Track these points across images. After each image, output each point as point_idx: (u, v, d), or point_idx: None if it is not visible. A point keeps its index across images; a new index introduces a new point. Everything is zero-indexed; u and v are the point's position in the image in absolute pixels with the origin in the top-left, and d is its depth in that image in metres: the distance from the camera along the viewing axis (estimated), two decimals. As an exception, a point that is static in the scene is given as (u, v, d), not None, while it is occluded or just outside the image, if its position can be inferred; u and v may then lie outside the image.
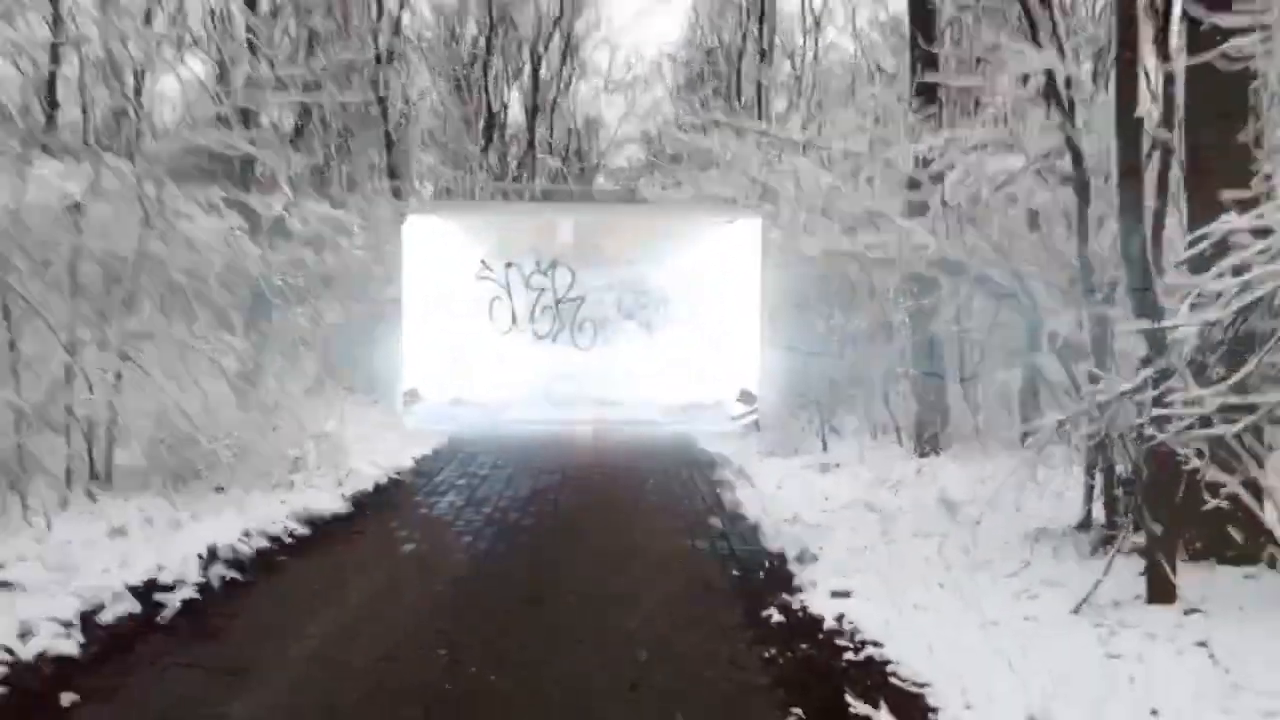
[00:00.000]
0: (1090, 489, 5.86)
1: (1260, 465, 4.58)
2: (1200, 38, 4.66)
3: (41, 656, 3.66)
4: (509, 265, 12.24)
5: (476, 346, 12.11)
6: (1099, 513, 5.78)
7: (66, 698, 3.31)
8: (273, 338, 9.72)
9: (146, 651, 3.89)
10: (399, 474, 8.62)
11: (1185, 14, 4.65)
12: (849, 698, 3.41)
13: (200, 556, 5.15)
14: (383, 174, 15.75)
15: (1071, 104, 4.86)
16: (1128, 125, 4.34)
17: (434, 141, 18.53)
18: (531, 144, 22.58)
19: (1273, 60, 4.60)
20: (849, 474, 8.96)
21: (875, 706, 3.33)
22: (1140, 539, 4.54)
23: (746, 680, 3.70)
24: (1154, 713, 3.17)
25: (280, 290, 9.02)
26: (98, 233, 6.81)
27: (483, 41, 20.71)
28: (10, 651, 3.62)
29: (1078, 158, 5.11)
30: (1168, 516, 4.32)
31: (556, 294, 12.32)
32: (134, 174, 7.14)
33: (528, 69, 22.89)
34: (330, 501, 7.06)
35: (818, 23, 22.74)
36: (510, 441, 10.81)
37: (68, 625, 3.96)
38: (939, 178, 7.05)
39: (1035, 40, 4.96)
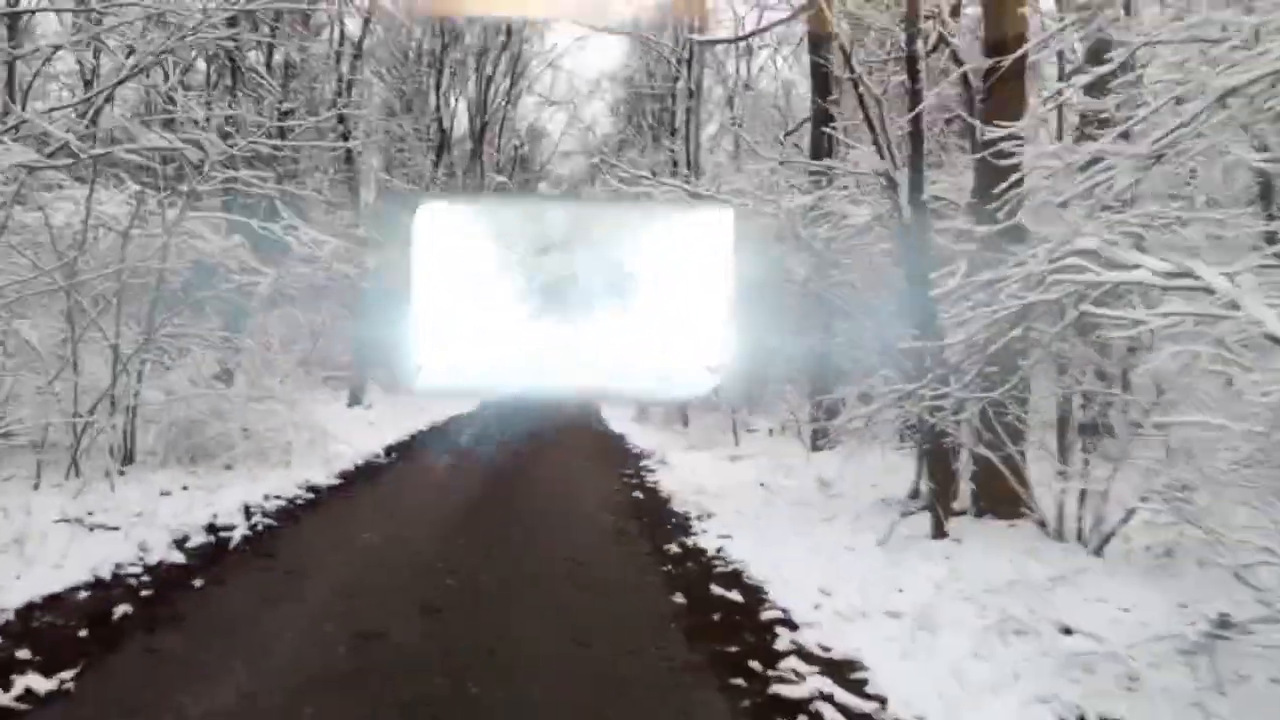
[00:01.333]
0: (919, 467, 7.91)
1: (1016, 443, 6.64)
2: (981, 145, 6.72)
3: (161, 564, 5.36)
4: (508, 249, 14.33)
5: (479, 323, 14.13)
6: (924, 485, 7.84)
7: (195, 582, 5.03)
8: (258, 338, 11.33)
9: (231, 562, 5.60)
10: (375, 456, 10.36)
11: (971, 128, 6.72)
12: (714, 587, 5.33)
13: (242, 508, 6.85)
14: (344, 187, 17.35)
15: (895, 183, 6.89)
16: (918, 203, 6.38)
17: (388, 157, 20.07)
18: (478, 154, 24.24)
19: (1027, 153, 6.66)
20: (753, 463, 10.95)
21: (729, 590, 5.25)
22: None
23: (649, 579, 5.60)
24: (900, 590, 5.14)
25: (270, 298, 10.68)
26: (136, 251, 8.41)
27: (435, 58, 22.26)
28: (141, 561, 5.31)
29: (901, 217, 7.15)
30: (940, 480, 6.35)
31: (550, 276, 14.43)
32: (159, 201, 8.76)
33: (472, 84, 24.55)
34: (323, 476, 8.76)
35: (750, 49, 24.96)
36: (495, 413, 12.65)
37: (168, 547, 5.65)
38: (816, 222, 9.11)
39: (875, 143, 6.97)
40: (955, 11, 7.90)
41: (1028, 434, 6.86)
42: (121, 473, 8.09)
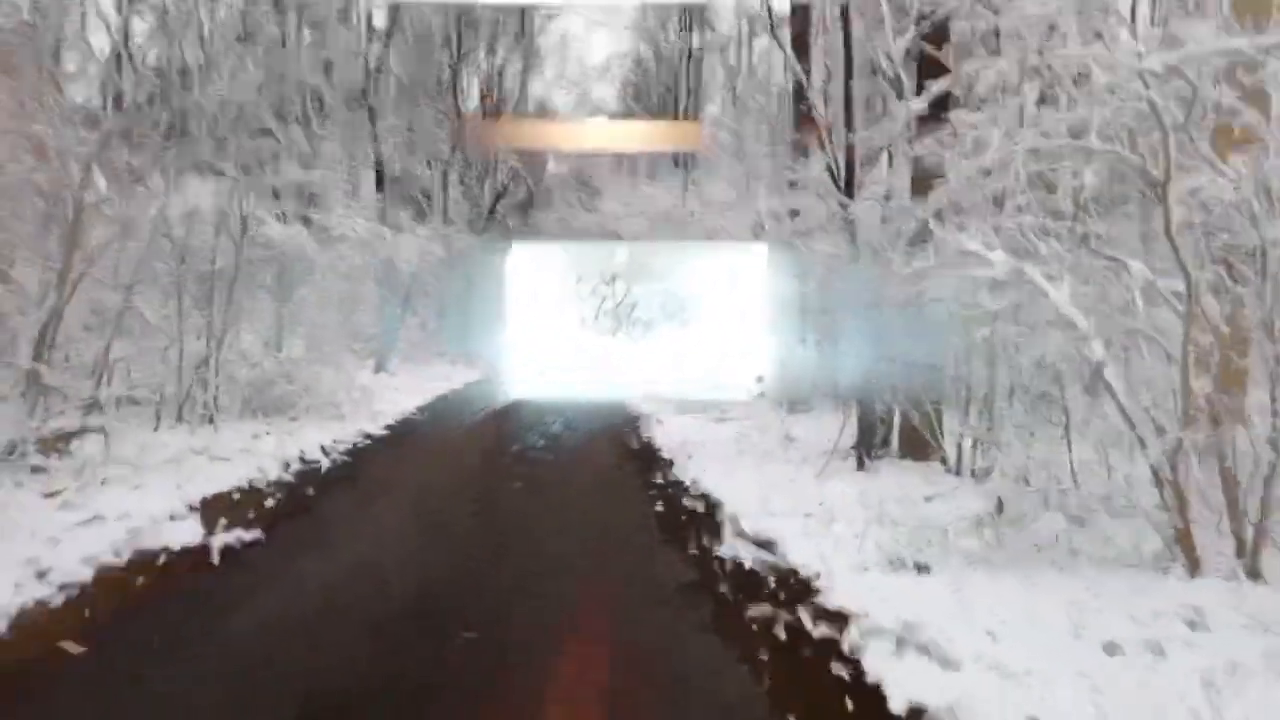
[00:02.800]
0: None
1: (937, 405, 8.65)
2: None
3: (279, 479, 7.44)
4: (579, 280, 17.06)
5: (558, 339, 16.87)
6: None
7: (308, 490, 7.12)
8: (306, 310, 13.40)
9: (326, 480, 7.69)
10: (411, 413, 12.46)
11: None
12: (685, 501, 7.40)
13: (318, 448, 8.93)
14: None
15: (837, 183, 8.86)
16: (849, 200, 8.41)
17: (409, 140, 21.96)
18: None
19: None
20: (736, 425, 13.00)
21: (695, 504, 7.32)
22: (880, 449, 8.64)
23: (639, 496, 7.68)
24: (821, 503, 7.17)
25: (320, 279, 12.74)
26: (224, 240, 10.45)
27: (454, 43, 24.05)
28: (264, 477, 7.39)
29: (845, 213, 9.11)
30: (865, 430, 8.39)
31: (615, 300, 17.03)
32: (236, 194, 10.79)
33: (484, 66, 26.38)
34: (373, 427, 10.84)
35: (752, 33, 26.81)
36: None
37: (279, 469, 7.73)
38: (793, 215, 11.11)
39: (822, 147, 8.95)
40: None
41: (945, 398, 8.87)
42: (211, 421, 10.18)
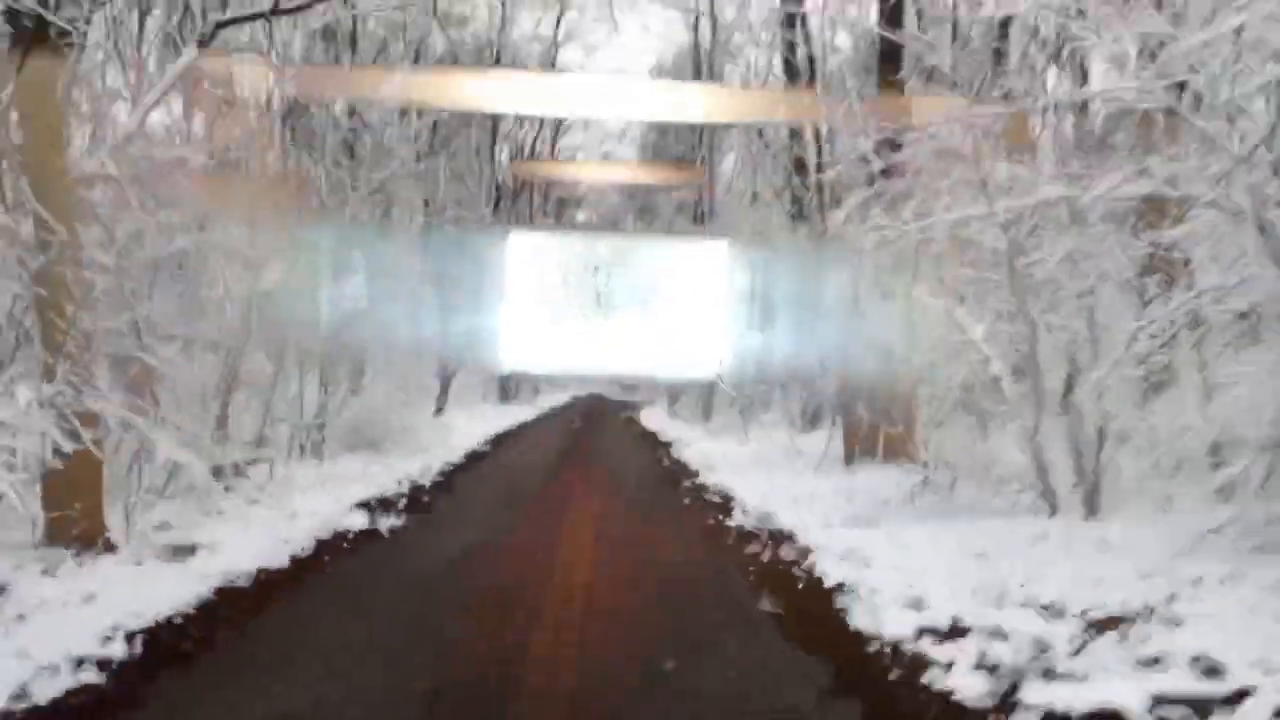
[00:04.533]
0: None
1: (910, 413, 11.05)
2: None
3: (401, 489, 10.02)
4: (568, 268, 19.62)
5: (550, 322, 19.38)
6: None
7: (424, 498, 9.69)
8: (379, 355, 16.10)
9: (434, 490, 10.26)
10: (478, 446, 15.07)
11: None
12: (706, 495, 9.88)
13: (419, 470, 11.51)
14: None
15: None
16: (814, 237, 10.93)
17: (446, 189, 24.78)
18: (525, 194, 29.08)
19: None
20: (755, 446, 15.47)
21: (713, 496, 9.79)
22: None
23: (670, 494, 10.17)
24: (810, 492, 9.58)
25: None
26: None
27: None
28: (396, 487, 9.97)
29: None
30: (850, 439, 10.83)
31: (599, 289, 19.59)
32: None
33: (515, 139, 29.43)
34: (454, 457, 13.41)
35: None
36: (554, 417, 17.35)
37: (395, 484, 10.31)
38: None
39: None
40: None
41: (919, 411, 11.27)
42: (320, 456, 12.80)
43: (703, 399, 20.95)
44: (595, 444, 16.10)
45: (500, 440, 16.27)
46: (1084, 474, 7.32)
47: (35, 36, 6.00)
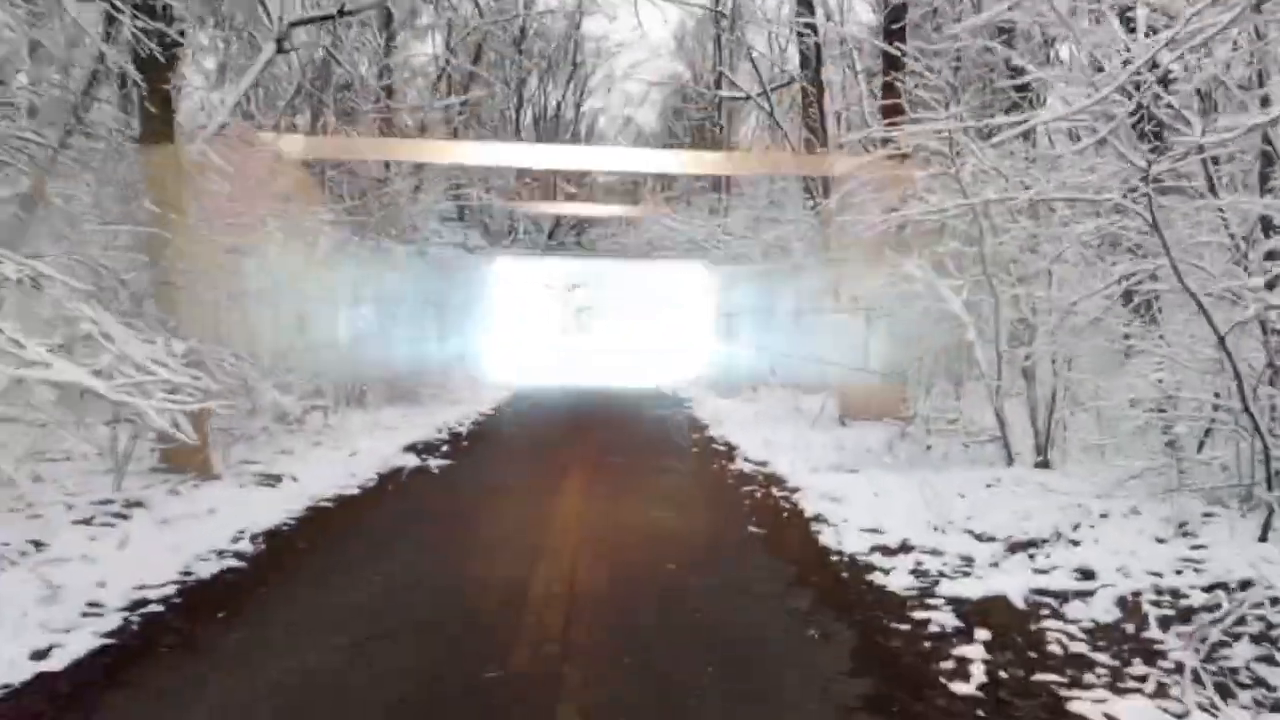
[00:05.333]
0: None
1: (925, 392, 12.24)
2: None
3: (443, 434, 11.36)
4: (548, 287, 20.89)
5: (531, 337, 20.70)
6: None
7: (463, 443, 11.03)
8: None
9: (471, 437, 11.61)
10: (507, 398, 16.42)
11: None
12: (713, 445, 11.16)
13: (456, 419, 12.85)
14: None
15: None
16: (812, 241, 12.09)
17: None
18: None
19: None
20: (763, 404, 16.73)
21: (718, 445, 11.07)
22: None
23: (681, 442, 11.47)
24: (807, 444, 10.84)
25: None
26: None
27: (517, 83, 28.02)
28: (436, 433, 11.32)
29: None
30: (843, 393, 12.07)
31: (578, 305, 20.96)
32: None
33: (541, 101, 30.38)
34: (485, 407, 14.75)
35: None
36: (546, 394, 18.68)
37: (435, 431, 11.64)
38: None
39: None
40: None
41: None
42: (364, 406, 14.17)
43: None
44: (616, 397, 17.43)
45: (526, 394, 17.58)
46: (1037, 431, 8.54)
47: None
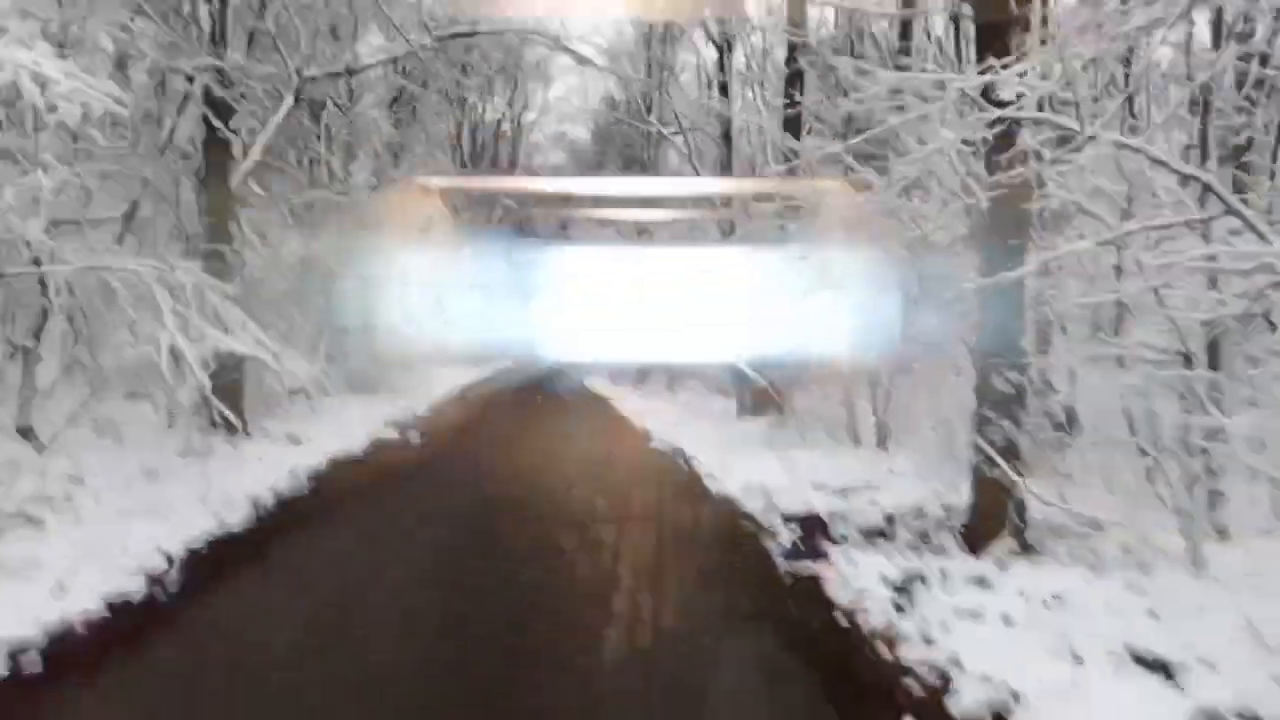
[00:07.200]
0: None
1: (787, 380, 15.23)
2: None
3: (409, 415, 13.92)
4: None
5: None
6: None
7: (425, 414, 13.62)
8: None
9: (429, 416, 14.18)
10: (455, 389, 19.00)
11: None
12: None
13: (415, 405, 15.39)
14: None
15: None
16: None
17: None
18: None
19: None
20: (680, 403, 19.62)
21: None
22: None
23: (608, 427, 14.25)
24: (732, 440, 13.68)
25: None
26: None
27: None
28: (405, 414, 13.87)
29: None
30: (741, 395, 15.01)
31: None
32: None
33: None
34: (437, 396, 17.29)
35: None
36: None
37: (402, 413, 14.19)
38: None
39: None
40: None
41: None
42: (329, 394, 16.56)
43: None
44: (549, 389, 20.16)
45: (471, 388, 20.16)
46: (878, 420, 11.56)
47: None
